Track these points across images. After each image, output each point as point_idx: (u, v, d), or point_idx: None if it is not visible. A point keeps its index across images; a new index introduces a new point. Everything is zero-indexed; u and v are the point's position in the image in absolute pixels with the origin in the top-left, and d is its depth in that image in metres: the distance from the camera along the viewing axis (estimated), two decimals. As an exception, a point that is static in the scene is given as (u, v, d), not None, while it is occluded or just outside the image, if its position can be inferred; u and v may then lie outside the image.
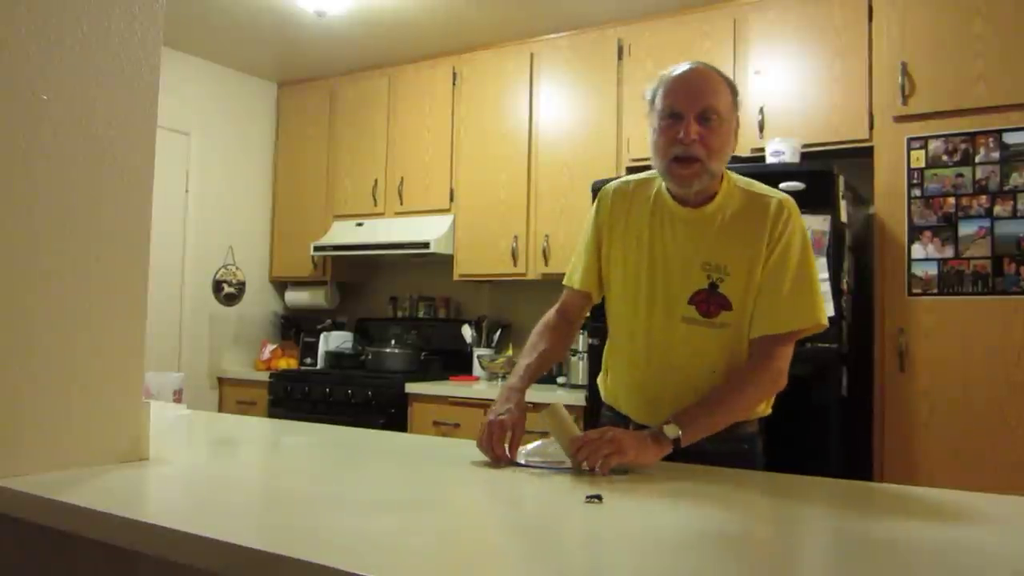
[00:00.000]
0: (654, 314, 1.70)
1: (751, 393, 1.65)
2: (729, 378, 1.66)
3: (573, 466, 1.52)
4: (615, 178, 1.91)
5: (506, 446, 1.59)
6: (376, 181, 4.53)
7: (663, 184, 1.71)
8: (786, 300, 1.63)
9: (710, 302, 1.64)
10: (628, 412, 1.79)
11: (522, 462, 1.58)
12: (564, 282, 1.88)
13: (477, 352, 4.19)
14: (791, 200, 1.67)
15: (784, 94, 3.35)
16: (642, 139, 3.83)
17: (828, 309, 2.76)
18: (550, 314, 1.89)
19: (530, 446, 1.65)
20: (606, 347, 1.88)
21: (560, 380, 3.81)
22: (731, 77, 1.70)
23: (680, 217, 1.68)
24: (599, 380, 1.91)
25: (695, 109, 1.58)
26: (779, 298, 1.63)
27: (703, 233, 1.66)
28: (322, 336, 4.62)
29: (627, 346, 1.77)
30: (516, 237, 3.98)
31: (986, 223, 2.87)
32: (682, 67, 1.65)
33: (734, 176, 1.72)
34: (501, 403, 1.67)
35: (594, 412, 2.96)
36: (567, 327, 1.88)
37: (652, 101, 1.66)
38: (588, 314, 1.91)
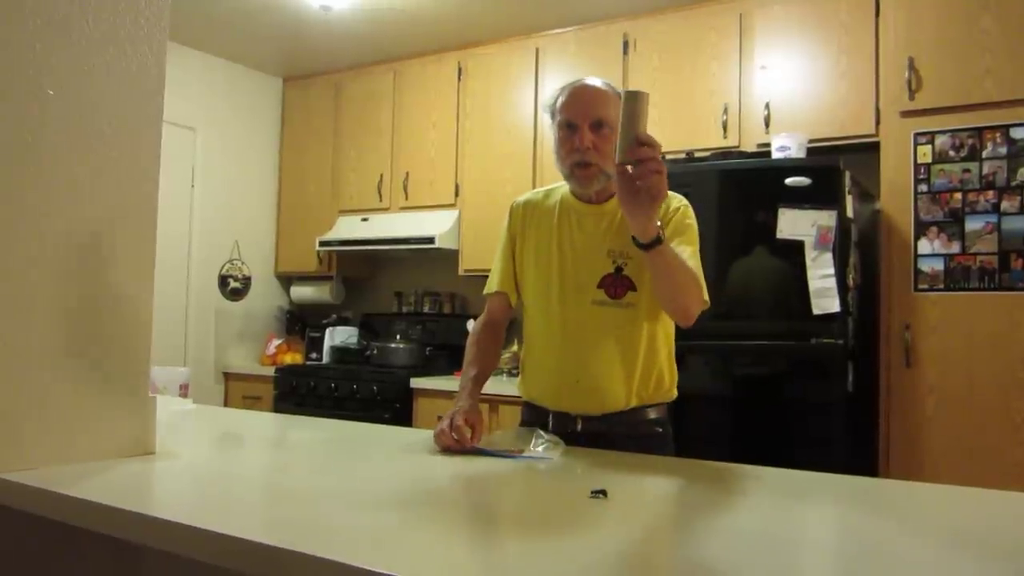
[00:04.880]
0: (566, 301, 1.84)
1: (692, 288, 1.69)
2: None
3: (626, 155, 1.44)
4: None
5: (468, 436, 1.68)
6: (381, 176, 4.53)
7: (567, 190, 1.90)
8: (688, 258, 1.72)
9: (617, 284, 1.81)
10: (546, 401, 1.89)
11: (476, 446, 1.66)
12: (484, 291, 2.02)
13: (482, 347, 4.19)
14: (681, 196, 1.86)
15: (790, 89, 3.34)
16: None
17: (834, 305, 2.79)
18: (477, 326, 2.00)
19: (489, 435, 1.73)
20: (523, 350, 2.00)
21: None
22: (618, 88, 1.84)
23: (584, 212, 1.87)
24: (518, 382, 2.02)
25: (588, 120, 1.76)
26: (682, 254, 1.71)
27: (606, 224, 1.84)
28: (327, 331, 4.62)
29: (543, 335, 1.90)
30: (521, 232, 3.97)
31: (993, 218, 2.86)
32: (576, 82, 1.84)
33: None
34: (458, 401, 1.80)
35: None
36: (494, 333, 1.99)
37: (552, 113, 1.84)
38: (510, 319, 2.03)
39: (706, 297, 1.75)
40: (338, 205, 4.71)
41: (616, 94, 1.81)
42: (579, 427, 1.83)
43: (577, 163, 1.77)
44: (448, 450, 1.66)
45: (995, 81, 2.89)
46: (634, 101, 1.46)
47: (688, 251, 1.75)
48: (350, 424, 2.20)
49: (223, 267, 4.70)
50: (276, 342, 4.76)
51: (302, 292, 4.90)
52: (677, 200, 1.85)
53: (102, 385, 1.49)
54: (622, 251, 1.81)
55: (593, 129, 1.75)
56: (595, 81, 1.83)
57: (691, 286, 1.70)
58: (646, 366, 1.83)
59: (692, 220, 1.84)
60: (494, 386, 3.70)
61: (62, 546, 1.43)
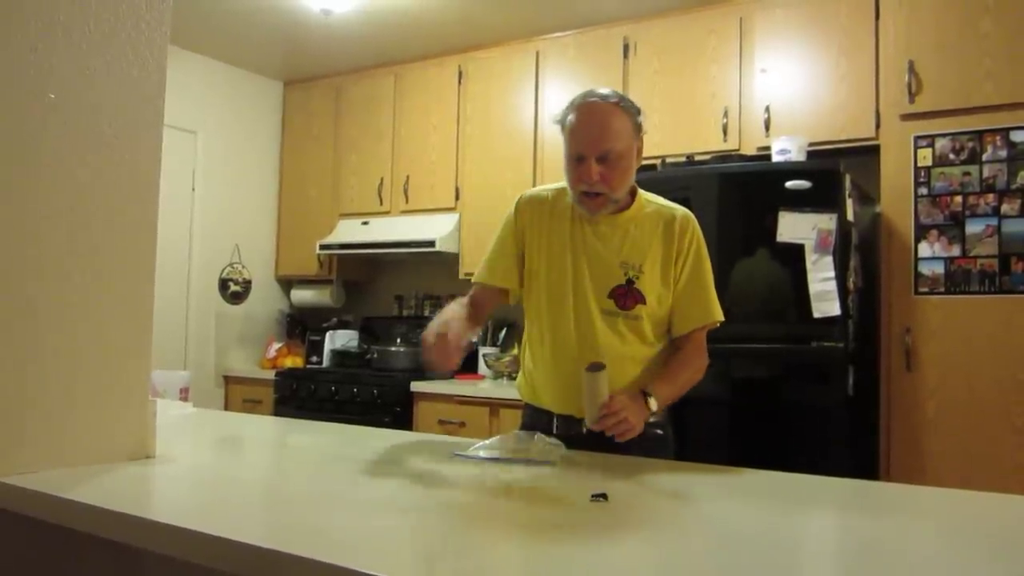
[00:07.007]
0: (578, 308, 1.87)
1: (695, 372, 1.91)
2: (675, 359, 1.91)
3: (593, 426, 1.71)
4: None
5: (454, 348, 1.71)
6: (382, 180, 4.54)
7: None
8: (707, 299, 1.91)
9: (627, 296, 1.86)
10: (550, 404, 1.92)
11: (482, 455, 1.66)
12: (475, 279, 2.01)
13: (482, 351, 4.19)
14: (690, 213, 1.93)
15: (790, 92, 3.34)
16: (647, 138, 3.83)
17: (834, 308, 2.78)
18: (460, 302, 1.94)
19: (489, 440, 1.72)
20: (524, 349, 2.02)
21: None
22: (631, 100, 1.87)
23: (599, 222, 1.89)
24: (518, 382, 2.05)
25: (595, 153, 1.78)
26: (701, 297, 1.90)
27: (620, 236, 1.88)
28: (328, 334, 4.62)
29: (551, 339, 1.91)
30: (521, 236, 3.97)
31: (993, 221, 2.86)
32: (585, 104, 1.83)
33: (643, 192, 1.94)
34: (444, 314, 1.80)
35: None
36: (478, 313, 1.95)
37: (562, 129, 1.85)
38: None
39: (719, 318, 1.91)
40: (338, 208, 4.72)
41: (624, 108, 1.83)
42: (584, 429, 1.83)
43: (584, 192, 1.81)
44: (436, 365, 1.69)
45: (995, 84, 2.89)
46: (594, 377, 1.70)
47: (708, 288, 1.90)
48: (350, 428, 2.20)
49: (223, 270, 4.70)
50: (276, 345, 4.76)
51: (302, 295, 4.90)
52: (683, 220, 1.89)
53: (102, 389, 1.49)
54: (635, 264, 1.86)
55: (600, 161, 1.79)
56: (603, 97, 1.82)
57: (691, 384, 1.90)
58: (649, 372, 1.86)
59: (702, 243, 1.91)
60: (494, 390, 3.70)
61: (61, 550, 1.43)
